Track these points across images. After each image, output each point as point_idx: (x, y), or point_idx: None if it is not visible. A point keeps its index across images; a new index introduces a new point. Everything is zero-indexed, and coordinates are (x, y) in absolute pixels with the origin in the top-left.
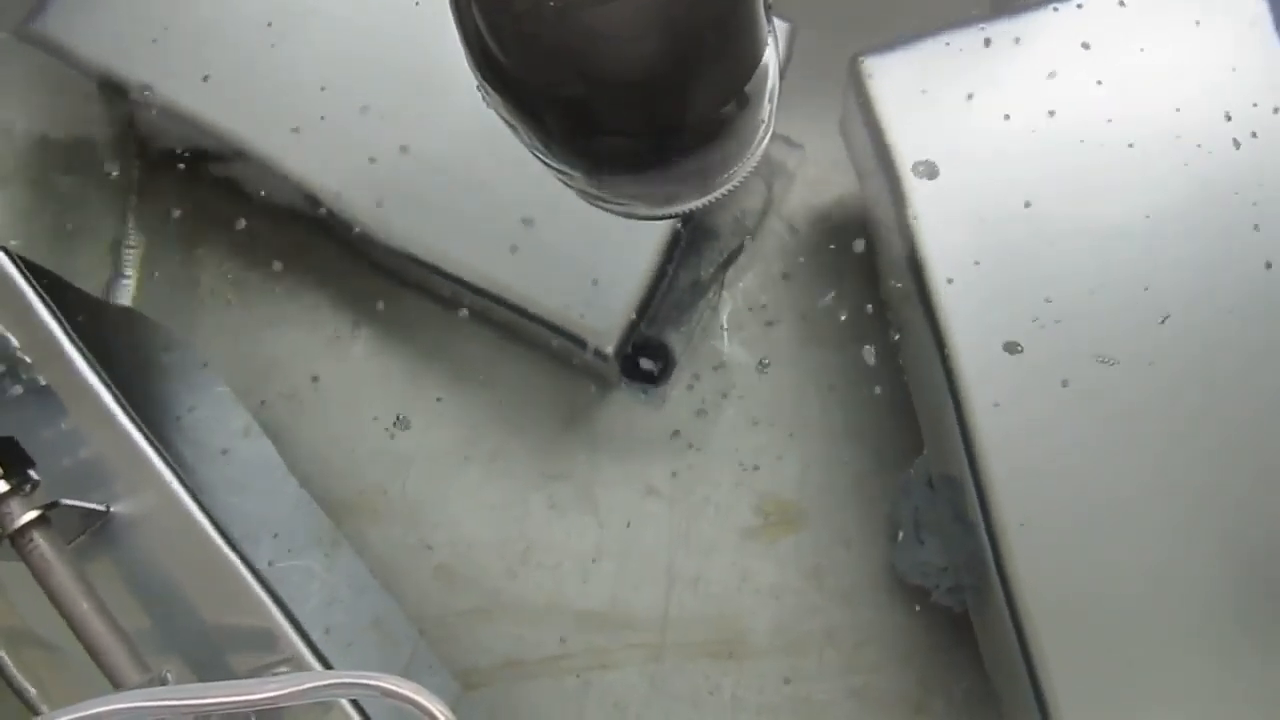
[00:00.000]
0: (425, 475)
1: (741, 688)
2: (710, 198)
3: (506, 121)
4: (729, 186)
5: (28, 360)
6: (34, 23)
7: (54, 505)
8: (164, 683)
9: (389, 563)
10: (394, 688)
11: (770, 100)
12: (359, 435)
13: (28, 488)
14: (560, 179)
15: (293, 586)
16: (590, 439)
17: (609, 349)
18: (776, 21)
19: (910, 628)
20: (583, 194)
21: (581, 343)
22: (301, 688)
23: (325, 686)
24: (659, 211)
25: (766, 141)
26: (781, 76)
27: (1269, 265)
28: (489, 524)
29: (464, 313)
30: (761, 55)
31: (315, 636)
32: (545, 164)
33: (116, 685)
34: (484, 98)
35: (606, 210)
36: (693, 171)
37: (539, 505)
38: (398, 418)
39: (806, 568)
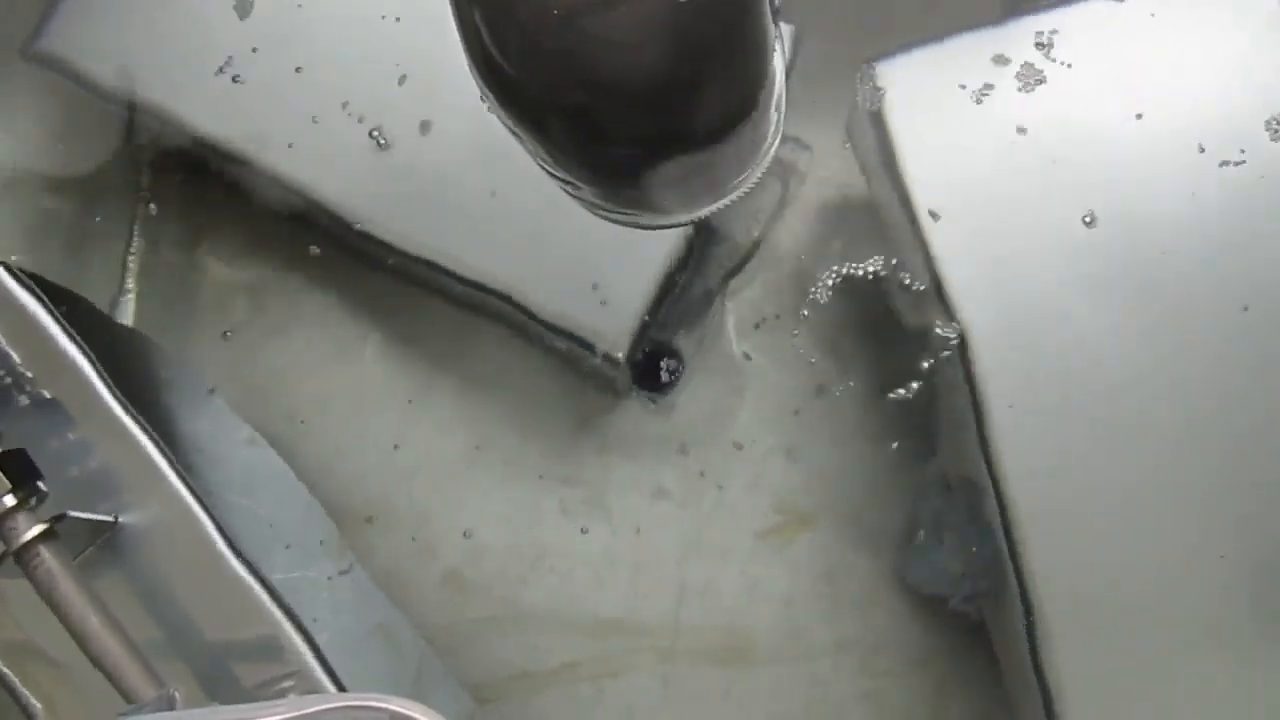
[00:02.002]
0: (434, 482)
1: (753, 694)
2: (718, 206)
3: (511, 131)
4: (737, 195)
5: (29, 375)
6: (38, 38)
7: (61, 518)
8: (171, 703)
9: (398, 571)
10: (402, 710)
11: (778, 107)
12: (368, 442)
13: (33, 501)
14: (565, 189)
15: (301, 596)
16: (601, 444)
17: (619, 355)
18: (783, 24)
19: (923, 632)
20: (588, 204)
21: (591, 348)
22: (305, 712)
23: (331, 710)
24: (666, 221)
25: (775, 149)
26: (788, 79)
27: None
28: (499, 531)
29: (453, 314)
30: (769, 61)
31: (322, 645)
32: (550, 174)
33: (127, 700)
34: (489, 106)
35: (612, 221)
36: (699, 181)
37: (550, 511)
38: (407, 424)
39: (818, 572)
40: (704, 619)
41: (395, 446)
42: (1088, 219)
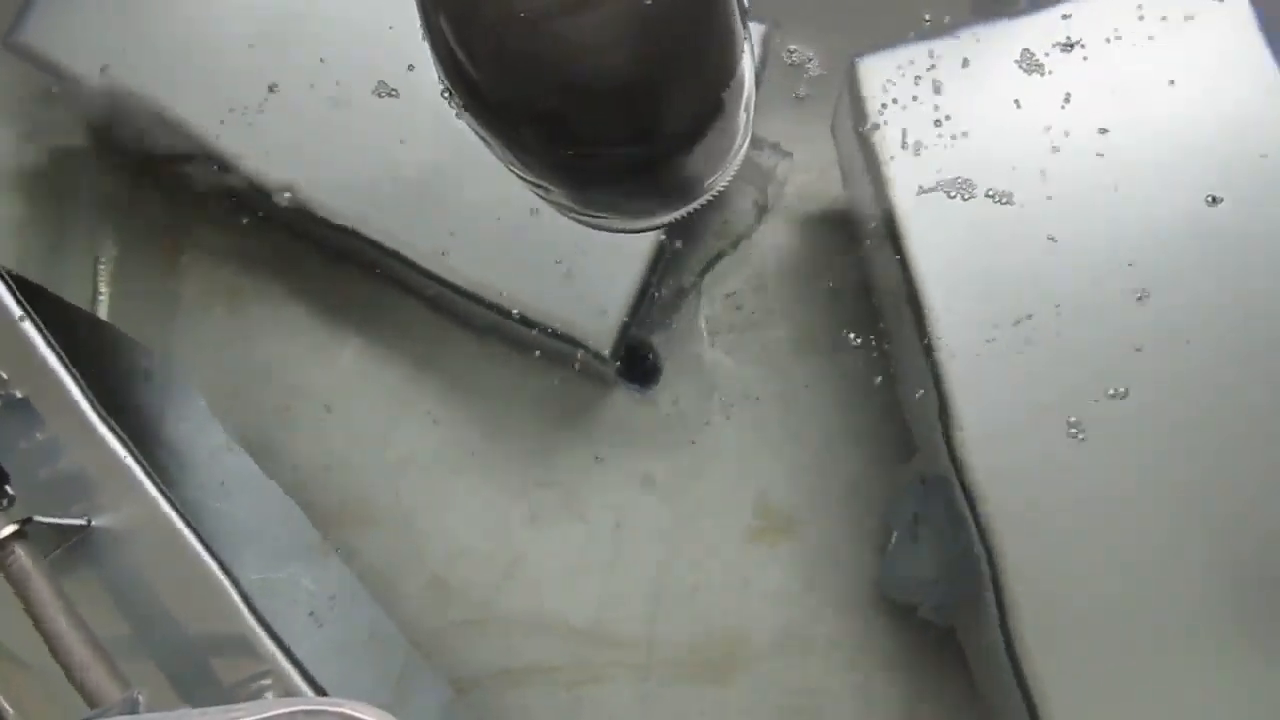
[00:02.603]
0: (416, 485)
1: (734, 698)
2: (688, 209)
3: (480, 135)
4: (707, 197)
5: (4, 376)
6: (16, 33)
7: (29, 520)
8: (135, 706)
9: (380, 573)
10: (354, 713)
11: (747, 109)
12: (350, 444)
13: (4, 502)
14: (536, 192)
15: (280, 598)
16: (582, 447)
17: (605, 351)
18: (752, 24)
19: (903, 635)
20: (559, 207)
21: (580, 346)
22: (260, 716)
23: (282, 715)
24: (637, 225)
25: (744, 150)
26: (759, 78)
27: (1264, 271)
28: (481, 533)
29: (434, 315)
30: (737, 63)
31: (304, 649)
32: (520, 177)
33: (93, 703)
34: (456, 112)
35: (583, 224)
36: (669, 183)
37: (530, 514)
38: (388, 426)
39: (799, 575)
40: (684, 622)
41: (378, 448)
42: (1075, 207)
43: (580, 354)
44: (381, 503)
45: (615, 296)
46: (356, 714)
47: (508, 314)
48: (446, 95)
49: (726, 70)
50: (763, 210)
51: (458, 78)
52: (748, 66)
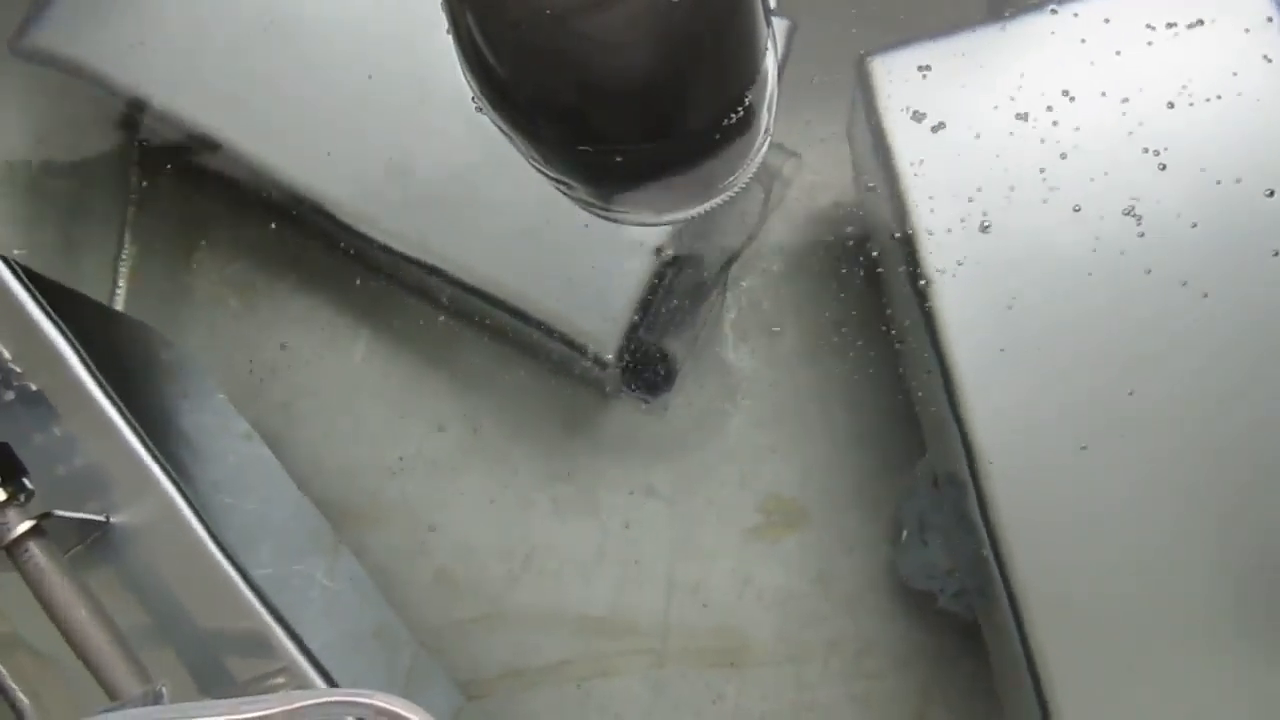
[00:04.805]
0: (426, 482)
1: (744, 695)
2: (710, 205)
3: (504, 131)
4: (729, 193)
5: (18, 369)
6: (28, 34)
7: (47, 516)
8: (159, 698)
9: (389, 570)
10: (387, 705)
11: (769, 108)
12: (359, 441)
13: (22, 497)
14: (558, 187)
15: (293, 593)
16: (591, 445)
17: (609, 355)
18: (776, 20)
19: (913, 632)
20: (581, 203)
21: (581, 349)
22: (293, 706)
23: (317, 705)
24: (659, 219)
25: (765, 148)
26: (780, 75)
27: (1273, 269)
28: (490, 531)
29: (445, 314)
30: (762, 62)
31: (315, 644)
32: (542, 172)
33: (113, 696)
34: (479, 107)
35: (605, 218)
36: (691, 180)
37: (540, 512)
38: (397, 425)
39: (809, 573)
40: (694, 619)
41: (386, 446)
42: (1084, 211)
43: (591, 356)
44: (391, 499)
45: (621, 301)
46: (391, 706)
47: (517, 314)
48: (472, 94)
49: (750, 69)
50: (774, 207)
51: (483, 75)
52: (770, 64)
